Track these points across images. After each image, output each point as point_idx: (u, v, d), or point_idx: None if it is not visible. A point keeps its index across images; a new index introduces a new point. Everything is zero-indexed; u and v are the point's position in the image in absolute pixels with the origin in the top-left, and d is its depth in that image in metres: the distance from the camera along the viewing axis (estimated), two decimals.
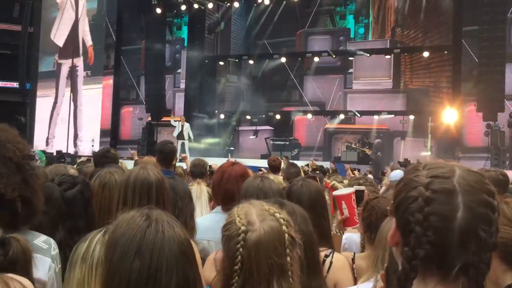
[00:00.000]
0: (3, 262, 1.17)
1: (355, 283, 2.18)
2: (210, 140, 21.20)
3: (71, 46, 22.90)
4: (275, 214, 1.44)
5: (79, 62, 23.22)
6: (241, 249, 1.37)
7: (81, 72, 23.17)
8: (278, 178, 3.88)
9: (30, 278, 1.20)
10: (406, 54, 21.06)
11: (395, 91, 21.15)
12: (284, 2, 20.92)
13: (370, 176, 9.80)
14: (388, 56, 20.71)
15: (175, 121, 17.23)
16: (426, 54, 19.14)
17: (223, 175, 2.77)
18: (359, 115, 20.46)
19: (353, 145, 19.13)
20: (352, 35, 22.03)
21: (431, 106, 19.44)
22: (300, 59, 22.00)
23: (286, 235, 1.41)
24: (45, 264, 1.71)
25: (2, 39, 28.45)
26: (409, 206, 1.03)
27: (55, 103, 23.64)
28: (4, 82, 27.53)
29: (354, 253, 2.50)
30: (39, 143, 22.38)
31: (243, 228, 1.39)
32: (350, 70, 21.80)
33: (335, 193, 2.74)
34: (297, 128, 21.96)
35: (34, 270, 1.65)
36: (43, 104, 23.90)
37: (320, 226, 2.33)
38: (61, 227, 2.08)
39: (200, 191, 3.61)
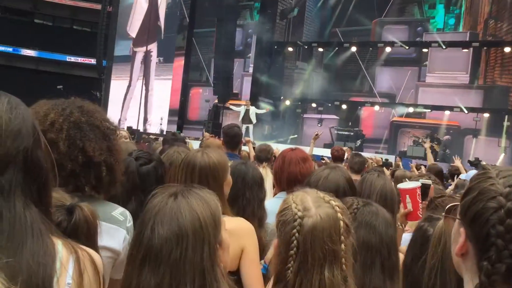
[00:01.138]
0: (66, 228, 1.24)
1: None
2: (274, 126, 21.27)
3: (145, 35, 23.70)
4: (330, 201, 1.46)
5: (154, 48, 24.03)
6: (297, 234, 1.39)
7: (154, 58, 24.00)
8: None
9: (95, 248, 1.24)
10: (485, 48, 19.91)
11: (471, 86, 20.09)
12: None
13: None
14: (465, 50, 19.71)
15: (238, 105, 17.37)
16: (507, 49, 18.04)
17: (284, 159, 2.81)
18: (429, 110, 19.71)
19: (420, 140, 18.49)
20: (441, 26, 20.86)
21: (509, 105, 18.41)
22: (371, 49, 21.45)
23: (341, 222, 1.42)
24: (120, 235, 1.79)
25: (83, 16, 29.94)
26: (489, 218, 0.97)
27: (128, 86, 24.65)
28: (82, 58, 29.02)
29: None
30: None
31: (299, 213, 1.42)
32: (425, 63, 20.96)
33: (399, 186, 2.71)
34: (363, 119, 21.52)
35: (109, 240, 1.76)
36: (117, 86, 24.96)
37: None
38: (134, 199, 2.20)
39: (265, 174, 3.64)
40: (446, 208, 1.16)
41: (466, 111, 19.01)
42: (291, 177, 2.74)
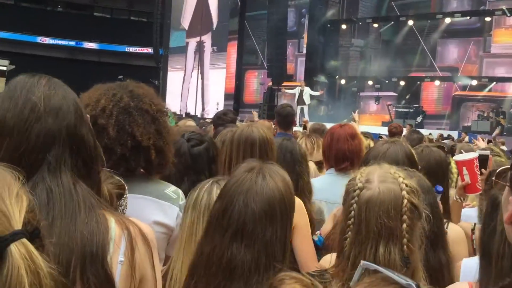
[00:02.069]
0: None
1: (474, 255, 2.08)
2: (330, 106, 20.99)
3: (198, 25, 23.96)
4: (399, 178, 1.42)
5: (207, 39, 24.28)
6: (354, 205, 1.39)
7: (208, 48, 24.25)
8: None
9: None
10: None
11: None
12: None
13: (504, 147, 9.03)
14: None
15: (292, 87, 17.28)
16: None
17: (333, 136, 2.76)
18: (494, 82, 18.69)
19: (485, 114, 17.64)
20: None
21: None
22: (429, 21, 20.52)
23: (405, 201, 1.37)
24: (173, 211, 1.86)
25: (139, 7, 30.70)
26: None
27: (184, 76, 25.12)
28: (140, 48, 29.83)
29: (475, 224, 2.36)
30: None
31: (359, 184, 1.41)
32: (490, 32, 19.80)
33: (455, 157, 2.63)
34: (423, 95, 20.77)
35: (163, 216, 1.83)
36: (174, 77, 25.47)
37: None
38: (186, 180, 2.26)
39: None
40: (497, 172, 1.13)
41: None
42: (339, 154, 2.69)
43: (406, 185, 1.40)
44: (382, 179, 1.41)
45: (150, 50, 26.40)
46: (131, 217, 1.21)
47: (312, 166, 2.92)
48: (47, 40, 29.23)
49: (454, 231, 2.17)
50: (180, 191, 1.94)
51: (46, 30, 28.55)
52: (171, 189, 1.91)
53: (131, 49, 30.32)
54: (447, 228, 2.15)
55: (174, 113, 13.47)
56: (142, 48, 29.56)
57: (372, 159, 2.13)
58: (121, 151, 1.74)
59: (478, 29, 19.91)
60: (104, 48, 30.23)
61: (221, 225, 1.34)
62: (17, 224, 0.72)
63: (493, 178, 1.12)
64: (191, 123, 4.85)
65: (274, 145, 2.27)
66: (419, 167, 2.28)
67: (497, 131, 15.98)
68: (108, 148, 1.70)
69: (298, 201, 2.18)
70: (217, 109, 22.55)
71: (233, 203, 1.32)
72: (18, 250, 0.70)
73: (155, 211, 1.83)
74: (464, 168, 2.54)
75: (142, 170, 1.86)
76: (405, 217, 1.36)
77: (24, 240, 0.72)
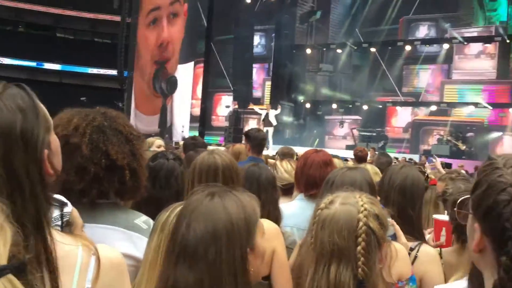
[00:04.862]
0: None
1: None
2: (296, 129, 21.21)
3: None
4: (359, 202, 1.44)
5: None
6: (315, 224, 1.45)
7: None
8: (375, 169, 3.69)
9: None
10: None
11: (498, 82, 19.70)
12: None
13: (463, 171, 9.29)
14: (488, 45, 19.36)
15: (260, 109, 17.51)
16: None
17: (306, 161, 2.73)
18: (454, 108, 19.39)
19: (445, 138, 18.20)
20: (504, 18, 19.85)
21: None
22: (390, 48, 21.18)
23: (361, 223, 1.39)
24: (143, 243, 1.74)
25: (102, 28, 30.47)
26: (502, 211, 0.93)
27: None
28: (104, 70, 29.50)
29: (441, 249, 2.34)
30: None
31: (322, 205, 1.46)
32: (451, 60, 20.63)
33: (436, 216, 2.48)
34: (386, 119, 21.30)
35: (132, 248, 1.75)
36: None
37: (407, 216, 2.24)
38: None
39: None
40: (458, 202, 1.12)
41: (491, 108, 18.65)
42: (310, 180, 2.66)
43: (365, 209, 1.42)
44: (344, 201, 1.45)
45: (114, 72, 26.12)
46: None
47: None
48: (6, 61, 28.57)
49: (425, 253, 2.16)
50: (151, 221, 1.83)
51: (6, 51, 27.92)
52: (141, 219, 1.82)
53: (94, 70, 29.95)
54: (418, 251, 2.15)
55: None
56: (106, 70, 29.25)
57: (331, 180, 2.14)
58: (94, 170, 1.67)
59: (440, 56, 20.67)
60: (66, 69, 29.76)
61: (169, 248, 1.29)
62: (2, 259, 0.68)
63: (455, 208, 1.12)
64: (160, 142, 4.75)
65: (238, 171, 2.22)
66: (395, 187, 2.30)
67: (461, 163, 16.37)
68: (81, 167, 1.65)
69: (276, 227, 2.15)
70: (182, 132, 22.42)
71: (179, 225, 1.27)
72: (4, 287, 0.65)
73: (124, 242, 1.73)
74: (443, 228, 2.40)
75: (114, 194, 1.79)
76: (360, 239, 1.38)
77: (10, 276, 0.68)
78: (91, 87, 28.32)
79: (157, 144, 4.50)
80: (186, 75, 23.88)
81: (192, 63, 23.84)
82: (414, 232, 2.27)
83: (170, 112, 23.04)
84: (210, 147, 5.13)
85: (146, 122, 19.92)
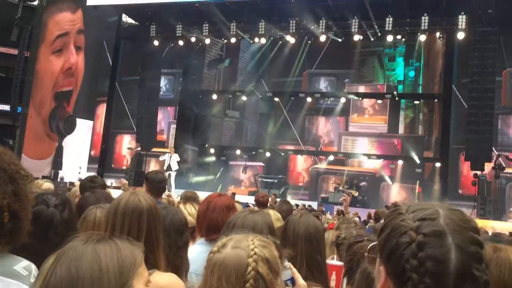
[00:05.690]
0: None
1: None
2: (200, 173, 21.10)
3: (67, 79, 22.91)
4: (251, 245, 1.42)
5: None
6: (206, 268, 1.43)
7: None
8: (277, 214, 3.76)
9: None
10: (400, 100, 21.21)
11: (389, 136, 21.35)
12: (309, 41, 19.62)
13: (356, 218, 9.77)
14: (380, 101, 21.10)
15: (164, 153, 17.34)
16: (417, 102, 19.73)
17: (208, 205, 2.71)
18: (349, 158, 20.60)
19: (340, 187, 19.17)
20: (401, 78, 21.56)
21: (423, 153, 19.74)
22: (293, 98, 22.10)
23: (250, 268, 1.38)
24: None
25: None
26: (403, 253, 0.99)
27: None
28: None
29: None
30: None
31: (215, 249, 1.44)
32: (349, 112, 21.99)
33: (329, 261, 2.56)
34: (287, 167, 21.99)
35: None
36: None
37: (314, 261, 2.29)
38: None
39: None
40: (368, 247, 1.17)
41: (382, 159, 20.08)
42: (213, 224, 2.63)
43: (255, 253, 1.41)
44: (236, 245, 1.43)
45: (7, 107, 24.43)
46: None
47: None
48: None
49: None
50: (33, 266, 1.68)
51: None
52: (21, 265, 1.66)
53: None
54: None
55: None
56: None
57: (232, 222, 2.14)
58: None
59: (338, 110, 21.90)
60: None
61: None
62: None
63: (366, 253, 1.17)
64: (49, 185, 4.45)
65: (159, 214, 2.14)
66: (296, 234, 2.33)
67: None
68: None
69: (180, 283, 2.05)
70: (79, 173, 21.31)
71: (48, 271, 1.18)
72: None
73: None
74: (334, 272, 2.47)
75: None
76: (248, 284, 1.37)
77: None
78: None
79: (45, 187, 4.20)
80: (86, 115, 22.97)
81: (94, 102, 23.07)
82: (322, 277, 2.32)
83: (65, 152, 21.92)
84: (108, 190, 4.91)
85: (34, 166, 18.62)
